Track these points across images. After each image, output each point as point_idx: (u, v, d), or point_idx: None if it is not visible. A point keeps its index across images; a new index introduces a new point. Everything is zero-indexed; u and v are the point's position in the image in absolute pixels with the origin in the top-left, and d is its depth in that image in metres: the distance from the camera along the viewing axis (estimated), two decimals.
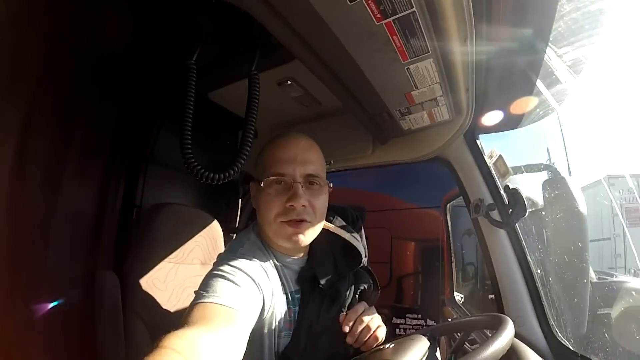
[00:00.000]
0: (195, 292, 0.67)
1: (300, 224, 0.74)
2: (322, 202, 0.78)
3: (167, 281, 1.12)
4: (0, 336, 0.85)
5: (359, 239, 0.88)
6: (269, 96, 0.97)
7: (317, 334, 0.78)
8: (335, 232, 0.86)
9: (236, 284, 0.67)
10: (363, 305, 0.82)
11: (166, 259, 1.15)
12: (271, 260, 0.80)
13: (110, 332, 1.00)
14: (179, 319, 0.69)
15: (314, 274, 0.79)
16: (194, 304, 0.64)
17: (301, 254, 0.83)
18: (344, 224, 0.89)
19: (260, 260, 0.77)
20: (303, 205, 0.73)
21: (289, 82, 1.06)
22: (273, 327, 0.76)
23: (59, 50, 0.97)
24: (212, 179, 0.71)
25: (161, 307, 1.09)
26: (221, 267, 0.70)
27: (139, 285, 1.07)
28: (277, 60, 0.94)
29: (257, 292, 0.71)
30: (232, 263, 0.72)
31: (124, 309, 1.04)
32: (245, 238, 0.83)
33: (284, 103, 1.22)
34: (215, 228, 1.33)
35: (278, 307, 0.77)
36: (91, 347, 1.01)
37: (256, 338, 0.74)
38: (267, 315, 0.74)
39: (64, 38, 0.96)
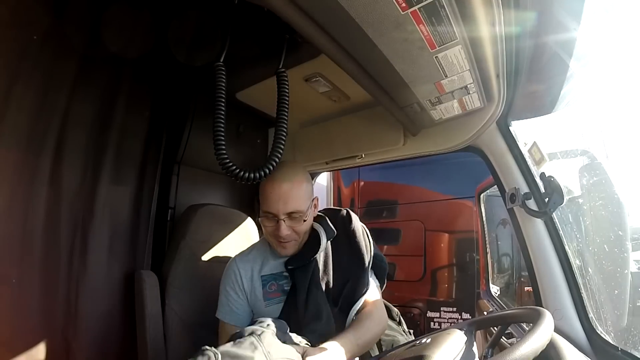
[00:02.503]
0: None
1: (286, 243, 0.99)
2: (304, 225, 0.99)
3: (205, 279, 1.16)
4: (42, 335, 0.90)
5: (332, 232, 1.07)
6: (297, 93, 0.99)
7: (301, 301, 0.98)
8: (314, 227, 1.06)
9: (230, 303, 1.02)
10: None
11: (203, 258, 1.19)
12: (268, 252, 1.07)
13: (150, 329, 1.04)
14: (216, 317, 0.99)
15: (289, 260, 1.02)
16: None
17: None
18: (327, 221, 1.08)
19: (253, 259, 1.06)
20: (287, 234, 0.97)
21: (316, 78, 1.07)
22: (255, 298, 1.02)
23: (91, 61, 1.01)
24: (248, 178, 0.72)
25: (199, 305, 1.13)
26: (223, 288, 1.04)
27: (177, 285, 1.11)
28: (304, 57, 0.95)
29: (241, 295, 1.02)
30: (226, 282, 1.04)
31: (163, 307, 1.08)
32: (259, 241, 1.14)
33: (312, 99, 1.23)
34: (250, 226, 1.37)
35: (257, 286, 1.03)
36: (132, 345, 1.05)
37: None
38: (249, 293, 1.03)
39: (95, 48, 1.00)
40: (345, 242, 1.07)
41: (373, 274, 1.11)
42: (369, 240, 1.11)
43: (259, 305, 1.02)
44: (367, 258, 1.07)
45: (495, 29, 0.73)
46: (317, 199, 1.07)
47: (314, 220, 1.07)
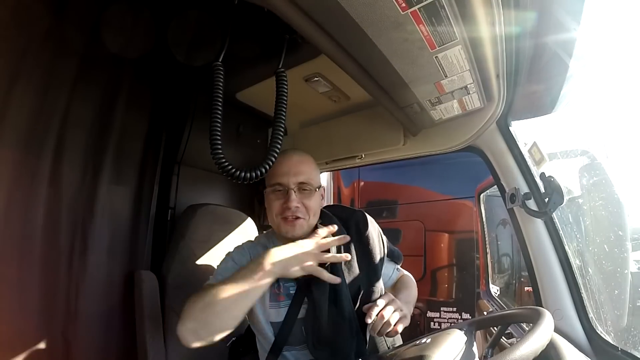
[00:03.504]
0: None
1: (294, 221, 0.93)
2: (313, 201, 0.95)
3: (205, 279, 1.14)
4: (42, 335, 0.90)
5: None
6: (296, 93, 0.99)
7: (323, 313, 0.92)
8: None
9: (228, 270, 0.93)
10: (387, 297, 0.92)
11: (203, 258, 1.19)
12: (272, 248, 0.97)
13: (150, 330, 1.04)
14: None
15: None
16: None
17: None
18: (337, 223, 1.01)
19: (256, 250, 1.00)
20: (297, 206, 0.92)
21: (316, 78, 1.07)
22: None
23: (91, 61, 1.01)
24: (244, 178, 0.72)
25: None
26: (224, 260, 0.99)
27: (177, 284, 1.11)
28: (304, 57, 0.95)
29: None
30: (230, 257, 0.99)
31: (162, 307, 1.08)
32: (261, 234, 1.09)
33: (312, 99, 1.23)
34: (249, 226, 1.37)
35: None
36: (132, 345, 1.05)
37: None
38: None
39: (95, 48, 1.00)
40: (357, 246, 1.02)
41: (391, 261, 1.13)
42: (383, 242, 1.08)
43: (262, 299, 0.94)
44: (380, 263, 1.03)
45: (495, 29, 0.73)
46: (324, 189, 1.03)
47: (322, 222, 1.00)
